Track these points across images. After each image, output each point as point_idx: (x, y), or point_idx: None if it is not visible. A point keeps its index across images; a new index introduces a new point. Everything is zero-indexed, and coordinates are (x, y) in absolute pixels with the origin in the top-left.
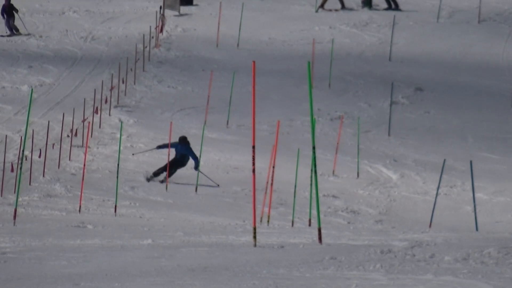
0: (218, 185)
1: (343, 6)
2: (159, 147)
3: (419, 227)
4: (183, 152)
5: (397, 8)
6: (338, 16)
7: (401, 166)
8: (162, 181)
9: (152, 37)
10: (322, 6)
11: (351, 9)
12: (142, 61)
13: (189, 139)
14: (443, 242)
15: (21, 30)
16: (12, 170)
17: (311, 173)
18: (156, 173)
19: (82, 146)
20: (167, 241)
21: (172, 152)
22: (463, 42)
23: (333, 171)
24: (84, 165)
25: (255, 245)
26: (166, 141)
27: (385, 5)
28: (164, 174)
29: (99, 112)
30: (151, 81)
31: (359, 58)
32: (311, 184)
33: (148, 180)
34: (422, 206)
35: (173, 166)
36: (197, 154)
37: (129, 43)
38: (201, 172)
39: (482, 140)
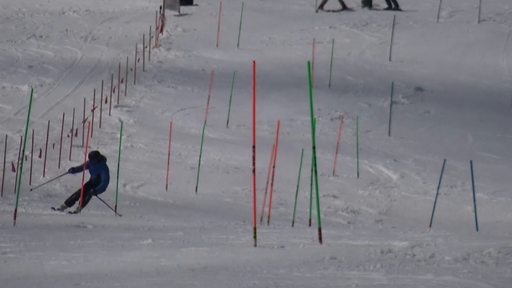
0: (116, 214)
1: (344, 7)
2: (73, 170)
3: (419, 227)
4: (97, 172)
5: (397, 8)
6: (338, 16)
7: (401, 166)
8: (75, 212)
9: (152, 37)
10: (321, 7)
11: (350, 9)
12: (142, 61)
13: (189, 139)
14: (443, 242)
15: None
16: (13, 170)
17: (311, 173)
18: (69, 202)
19: (82, 146)
20: (167, 241)
21: (87, 174)
22: (463, 42)
23: (333, 171)
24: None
25: (255, 245)
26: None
27: (385, 5)
28: (77, 203)
29: (94, 109)
30: (151, 81)
31: (359, 58)
32: (311, 184)
33: (60, 210)
34: (422, 206)
35: (86, 191)
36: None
37: (129, 43)
38: (99, 198)
39: (482, 140)
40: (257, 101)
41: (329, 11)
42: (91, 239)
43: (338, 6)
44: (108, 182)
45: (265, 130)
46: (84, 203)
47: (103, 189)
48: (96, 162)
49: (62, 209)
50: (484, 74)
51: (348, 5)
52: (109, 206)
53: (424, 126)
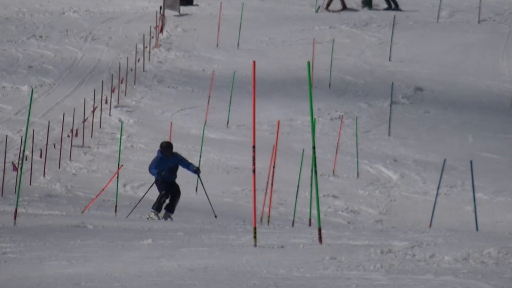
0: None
1: (344, 7)
2: (158, 173)
3: (419, 227)
4: (173, 163)
5: (397, 8)
6: (338, 16)
7: (401, 166)
8: (168, 217)
9: (152, 37)
10: (327, 7)
11: (351, 9)
12: (142, 61)
13: (189, 139)
14: (443, 242)
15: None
16: (15, 169)
17: (311, 173)
18: (159, 207)
19: (83, 146)
20: (167, 241)
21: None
22: (463, 42)
23: (333, 171)
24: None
25: (255, 245)
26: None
27: (385, 5)
28: (154, 213)
29: (94, 110)
30: (151, 81)
31: (359, 58)
32: (311, 184)
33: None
34: (422, 206)
35: (170, 190)
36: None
37: (129, 43)
38: (200, 179)
39: (482, 140)
40: (257, 101)
41: (329, 11)
42: (91, 239)
43: (339, 6)
44: (191, 164)
45: (265, 130)
46: (171, 207)
47: (196, 167)
48: (170, 153)
49: (154, 216)
50: (484, 74)
51: (348, 5)
52: (211, 205)
53: (424, 126)
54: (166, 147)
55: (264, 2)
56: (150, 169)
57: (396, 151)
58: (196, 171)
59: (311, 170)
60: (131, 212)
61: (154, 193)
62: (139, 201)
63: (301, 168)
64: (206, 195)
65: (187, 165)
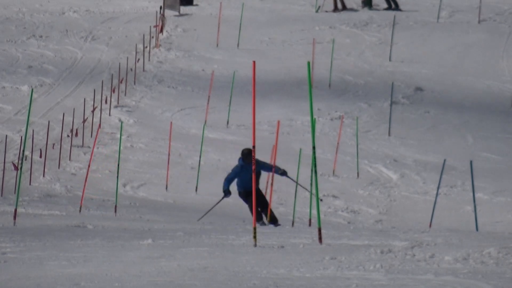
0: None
1: (344, 7)
2: (227, 187)
3: (419, 227)
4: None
5: (397, 8)
6: (338, 16)
7: (401, 166)
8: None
9: (152, 37)
10: (335, 9)
11: (351, 9)
12: (142, 61)
13: (189, 139)
14: (443, 242)
15: None
16: (16, 169)
17: (311, 173)
18: (259, 217)
19: (83, 146)
20: (167, 241)
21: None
22: (463, 42)
23: (333, 171)
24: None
25: (255, 245)
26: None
27: (385, 5)
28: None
29: (94, 110)
30: (151, 81)
31: (359, 58)
32: (311, 184)
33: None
34: (422, 206)
35: (260, 199)
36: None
37: (129, 43)
38: (290, 178)
39: (482, 140)
40: (257, 101)
41: (327, 11)
42: (91, 239)
43: (339, 6)
44: (271, 168)
45: (265, 130)
46: (272, 217)
47: (279, 169)
48: (251, 160)
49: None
50: (484, 74)
51: (348, 5)
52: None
53: (424, 126)
54: (248, 154)
55: (264, 2)
56: (225, 179)
57: (396, 151)
58: (283, 173)
59: (311, 170)
60: (201, 217)
61: (154, 193)
62: (211, 208)
63: (298, 168)
64: (302, 187)
65: (270, 169)
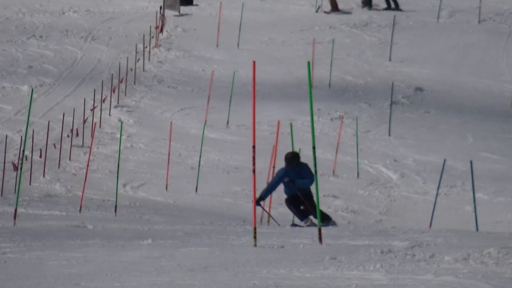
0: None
1: (336, 9)
2: (264, 195)
3: (419, 227)
4: (300, 175)
5: (397, 8)
6: (338, 16)
7: (401, 166)
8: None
9: (152, 37)
10: (335, 9)
11: (348, 12)
12: (142, 61)
13: (189, 139)
14: (443, 242)
15: None
16: (16, 169)
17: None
18: (304, 218)
19: (83, 146)
20: (167, 241)
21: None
22: (463, 42)
23: (333, 171)
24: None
25: (255, 245)
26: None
27: (385, 5)
28: (310, 217)
29: (93, 109)
30: (151, 81)
31: (359, 58)
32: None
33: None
34: (422, 206)
35: (301, 205)
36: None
37: (129, 43)
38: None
39: (482, 140)
40: (257, 101)
41: (336, 11)
42: (91, 239)
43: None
44: (313, 180)
45: (265, 130)
46: (324, 217)
47: (305, 183)
48: (295, 165)
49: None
50: (484, 74)
51: (348, 5)
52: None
53: (424, 126)
54: (292, 158)
55: (264, 2)
56: (268, 186)
57: (396, 151)
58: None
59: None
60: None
61: (154, 193)
62: (270, 218)
63: None
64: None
65: (308, 183)
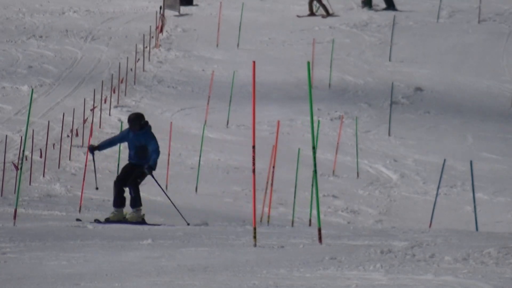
0: (188, 224)
1: (328, 13)
2: (99, 147)
3: (419, 227)
4: (140, 142)
5: (393, 8)
6: (338, 16)
7: (401, 166)
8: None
9: (152, 37)
10: (312, 13)
11: (336, 16)
12: (142, 61)
13: (189, 139)
14: (443, 242)
15: None
16: (17, 169)
17: (313, 174)
18: (118, 203)
19: (83, 146)
20: (167, 241)
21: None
22: (463, 42)
23: (333, 171)
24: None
25: (255, 245)
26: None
27: (384, 5)
28: (122, 210)
29: (93, 109)
30: (151, 81)
31: (359, 58)
32: (312, 184)
33: (107, 221)
34: (422, 206)
35: (128, 178)
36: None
37: (129, 43)
38: (153, 178)
39: (482, 140)
40: (257, 101)
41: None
42: (91, 239)
43: (322, 12)
44: (158, 153)
45: (265, 130)
46: (134, 200)
47: (155, 162)
48: (138, 128)
49: (111, 219)
50: (484, 74)
51: (348, 5)
52: (176, 209)
53: (424, 126)
54: (135, 119)
55: (264, 2)
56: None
57: (396, 151)
58: (148, 169)
59: (313, 170)
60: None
61: (154, 193)
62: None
63: (297, 168)
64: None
65: (151, 154)
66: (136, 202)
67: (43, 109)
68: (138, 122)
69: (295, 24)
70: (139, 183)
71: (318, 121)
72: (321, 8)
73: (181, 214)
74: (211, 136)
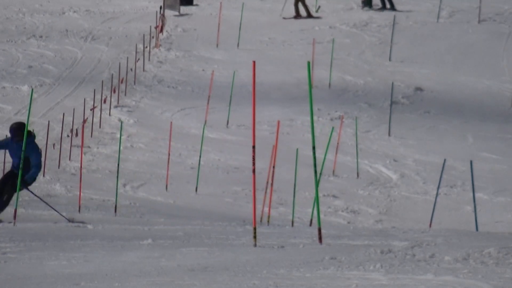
0: (69, 221)
1: (297, 15)
2: None
3: (419, 227)
4: (21, 153)
5: (392, 8)
6: (338, 16)
7: (401, 166)
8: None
9: (152, 37)
10: (297, 15)
11: (318, 17)
12: (142, 61)
13: (189, 139)
14: (443, 242)
15: None
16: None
17: (314, 174)
18: None
19: (83, 146)
20: (167, 241)
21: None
22: (463, 42)
23: (333, 171)
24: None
25: (255, 245)
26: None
27: (386, 5)
28: None
29: (93, 109)
30: (151, 81)
31: (359, 58)
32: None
33: None
34: (422, 206)
35: (5, 186)
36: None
37: (129, 43)
38: (30, 191)
39: (482, 140)
40: (257, 101)
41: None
42: (91, 239)
43: (304, 13)
44: (39, 168)
45: (265, 130)
46: (1, 205)
47: (33, 178)
48: (21, 138)
49: None
50: (484, 74)
51: (348, 5)
52: (48, 204)
53: (424, 126)
54: (16, 128)
55: (264, 2)
56: None
57: (396, 151)
58: (24, 184)
59: (314, 170)
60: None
61: (154, 193)
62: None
63: (296, 168)
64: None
65: (34, 172)
66: (1, 208)
67: (43, 109)
68: (20, 132)
69: (295, 24)
70: (15, 193)
71: (332, 128)
72: (305, 8)
73: (58, 212)
74: (211, 136)
